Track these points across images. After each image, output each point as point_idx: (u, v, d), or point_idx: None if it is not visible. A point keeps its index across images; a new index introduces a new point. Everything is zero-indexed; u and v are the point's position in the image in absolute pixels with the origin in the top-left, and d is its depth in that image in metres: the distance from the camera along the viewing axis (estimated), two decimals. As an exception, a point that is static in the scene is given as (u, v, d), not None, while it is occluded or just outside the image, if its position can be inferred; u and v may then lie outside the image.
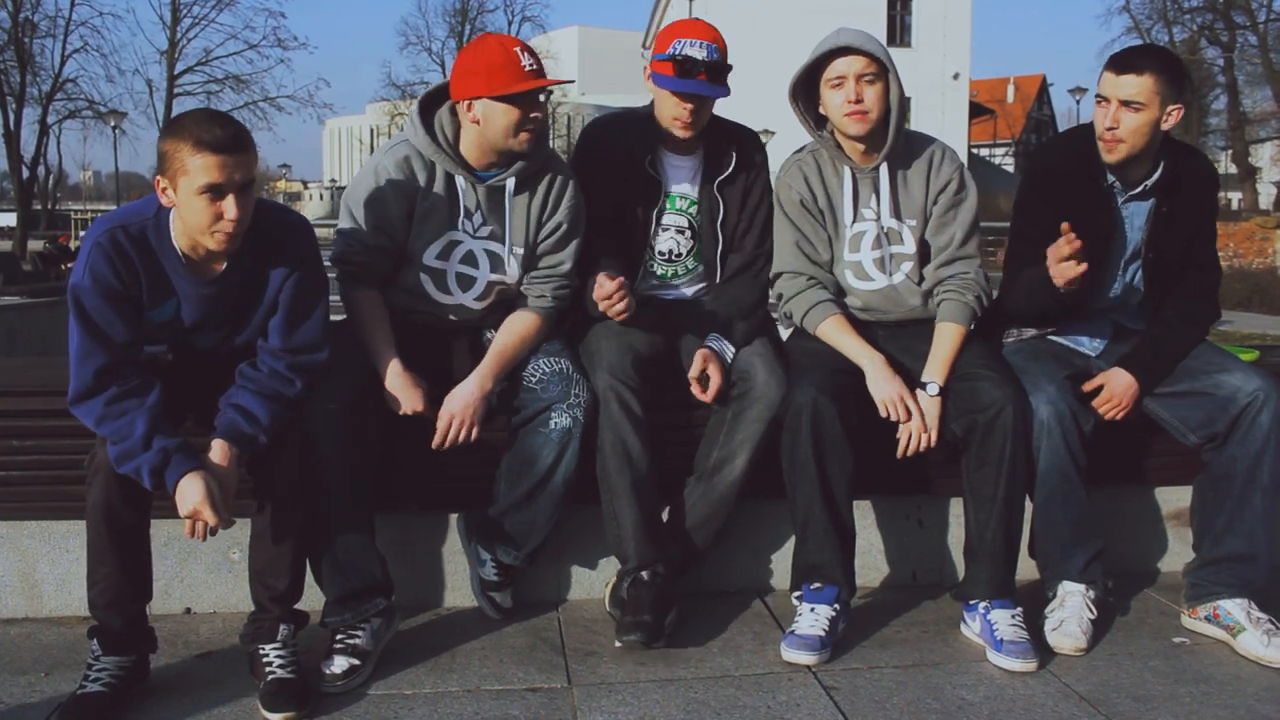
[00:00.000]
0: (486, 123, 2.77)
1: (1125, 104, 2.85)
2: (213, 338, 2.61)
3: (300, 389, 2.57)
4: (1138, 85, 2.84)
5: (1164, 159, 2.97)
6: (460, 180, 2.86)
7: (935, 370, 2.94)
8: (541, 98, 2.82)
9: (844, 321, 3.00)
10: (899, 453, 2.90)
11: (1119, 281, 3.09)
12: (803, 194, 3.06)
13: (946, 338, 2.98)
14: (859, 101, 2.89)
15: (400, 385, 2.76)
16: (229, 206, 2.34)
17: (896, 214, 3.05)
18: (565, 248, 2.97)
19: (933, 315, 3.11)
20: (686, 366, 2.92)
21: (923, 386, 2.93)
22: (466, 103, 2.77)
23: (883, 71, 2.90)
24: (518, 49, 2.76)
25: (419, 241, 2.88)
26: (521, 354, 2.90)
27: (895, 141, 2.98)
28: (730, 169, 3.08)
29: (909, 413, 2.85)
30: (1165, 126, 2.90)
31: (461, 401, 2.80)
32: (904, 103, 2.99)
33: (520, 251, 2.94)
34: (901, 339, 3.09)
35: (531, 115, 2.77)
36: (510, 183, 2.88)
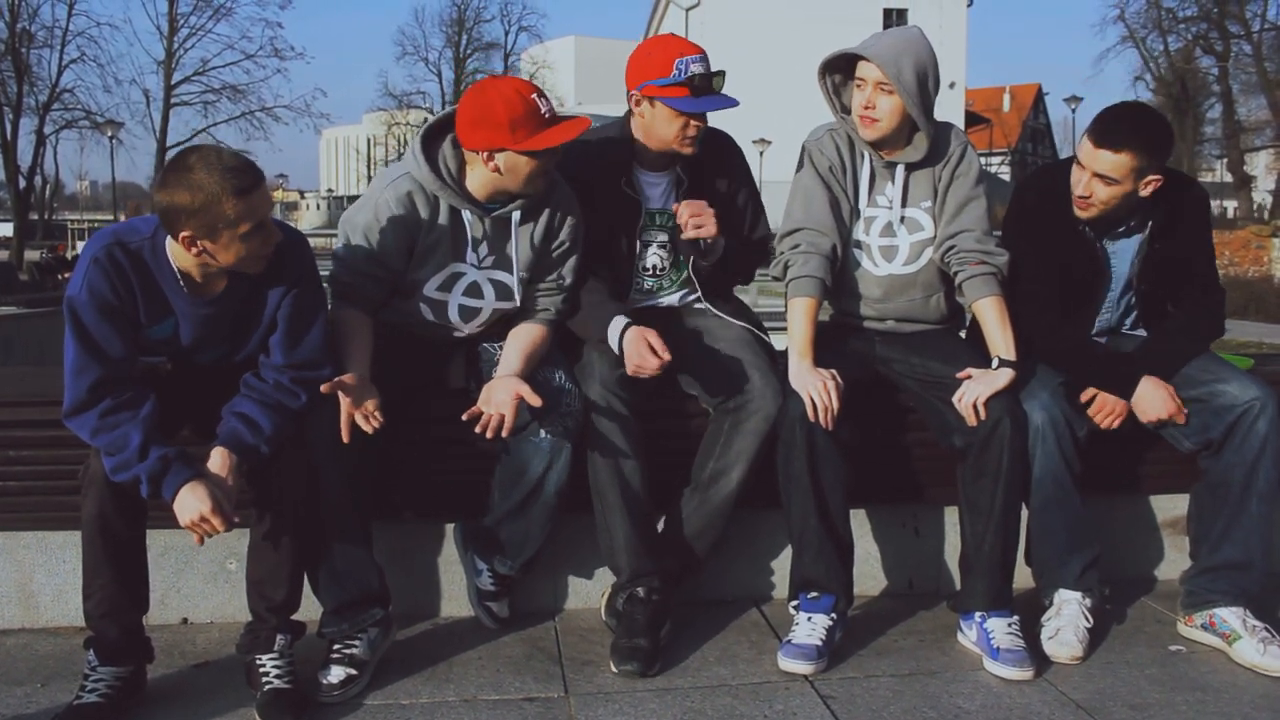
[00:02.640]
0: (509, 173, 2.73)
1: (1098, 176, 2.84)
2: (213, 355, 2.62)
3: (304, 402, 2.56)
4: (1113, 163, 2.81)
5: (1154, 199, 2.94)
6: (466, 214, 2.83)
7: (1002, 347, 2.89)
8: None
9: (811, 309, 2.94)
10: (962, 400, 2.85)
11: (1111, 312, 3.12)
12: (833, 161, 3.06)
13: (994, 313, 2.93)
14: (870, 108, 2.91)
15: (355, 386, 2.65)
16: (272, 230, 2.41)
17: (910, 202, 3.06)
18: (566, 263, 2.97)
19: (931, 318, 3.14)
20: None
21: (996, 365, 2.87)
22: (486, 153, 2.72)
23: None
24: (534, 95, 2.71)
25: (420, 273, 2.86)
26: (537, 355, 2.89)
27: (920, 154, 3.01)
28: (702, 178, 3.08)
29: (814, 405, 2.77)
30: (1143, 194, 2.88)
31: (506, 392, 2.71)
32: (929, 115, 2.98)
33: (526, 277, 2.94)
34: (897, 346, 3.10)
35: (552, 158, 2.76)
36: (515, 215, 2.86)
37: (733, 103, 2.93)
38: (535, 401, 2.68)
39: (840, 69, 3.07)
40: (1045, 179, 3.15)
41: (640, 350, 2.78)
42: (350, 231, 2.84)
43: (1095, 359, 2.98)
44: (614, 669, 2.76)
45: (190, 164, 2.32)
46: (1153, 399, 2.89)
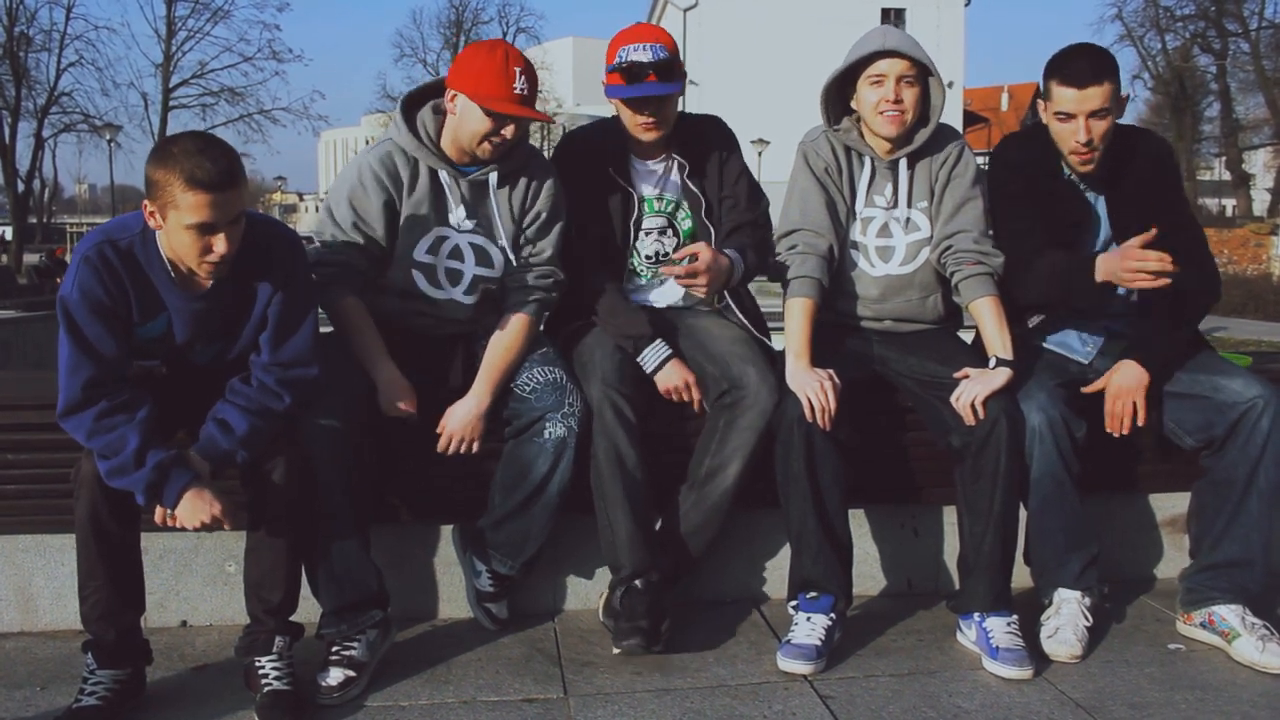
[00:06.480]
0: (460, 119, 2.83)
1: (1093, 114, 2.88)
2: (207, 352, 2.62)
3: (289, 404, 2.56)
4: (1102, 94, 2.87)
5: (1112, 147, 3.00)
6: (444, 175, 2.90)
7: (999, 346, 2.90)
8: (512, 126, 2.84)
9: (809, 310, 2.96)
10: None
11: None
12: (829, 162, 3.08)
13: (991, 313, 2.95)
14: (898, 102, 2.93)
15: (390, 384, 2.79)
16: (218, 242, 2.34)
17: (911, 202, 3.07)
18: (546, 235, 3.01)
19: (928, 318, 3.14)
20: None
21: (994, 365, 2.87)
22: (452, 93, 2.82)
23: (923, 75, 2.94)
24: (518, 69, 2.78)
25: (408, 238, 2.91)
26: (514, 362, 2.92)
27: (922, 142, 3.02)
28: (701, 159, 3.12)
29: (812, 407, 2.78)
30: (1119, 117, 2.96)
31: (461, 420, 2.84)
32: (942, 106, 3.04)
33: (505, 244, 2.98)
34: (894, 346, 3.10)
35: (501, 130, 2.81)
36: (493, 176, 2.92)
37: (673, 87, 2.95)
38: (474, 447, 2.86)
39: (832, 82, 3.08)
40: (1023, 139, 3.19)
41: (681, 374, 2.93)
42: (334, 202, 2.90)
43: (1080, 262, 2.93)
44: (616, 649, 2.78)
45: (176, 139, 2.35)
46: (1128, 378, 2.90)
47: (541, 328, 3.12)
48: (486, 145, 2.83)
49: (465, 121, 2.82)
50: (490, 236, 2.96)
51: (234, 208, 2.34)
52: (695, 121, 3.19)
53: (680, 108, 3.12)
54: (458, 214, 2.92)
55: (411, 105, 2.96)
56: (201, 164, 2.27)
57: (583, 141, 3.19)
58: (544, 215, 2.99)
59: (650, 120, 2.98)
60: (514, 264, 3.00)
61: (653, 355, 2.95)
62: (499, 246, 2.97)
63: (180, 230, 2.32)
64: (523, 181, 2.97)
